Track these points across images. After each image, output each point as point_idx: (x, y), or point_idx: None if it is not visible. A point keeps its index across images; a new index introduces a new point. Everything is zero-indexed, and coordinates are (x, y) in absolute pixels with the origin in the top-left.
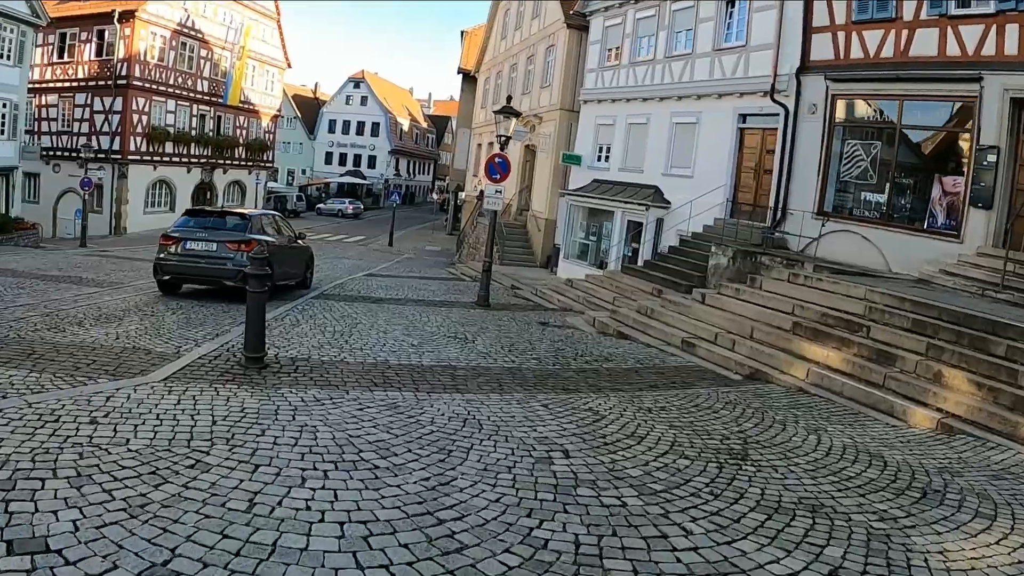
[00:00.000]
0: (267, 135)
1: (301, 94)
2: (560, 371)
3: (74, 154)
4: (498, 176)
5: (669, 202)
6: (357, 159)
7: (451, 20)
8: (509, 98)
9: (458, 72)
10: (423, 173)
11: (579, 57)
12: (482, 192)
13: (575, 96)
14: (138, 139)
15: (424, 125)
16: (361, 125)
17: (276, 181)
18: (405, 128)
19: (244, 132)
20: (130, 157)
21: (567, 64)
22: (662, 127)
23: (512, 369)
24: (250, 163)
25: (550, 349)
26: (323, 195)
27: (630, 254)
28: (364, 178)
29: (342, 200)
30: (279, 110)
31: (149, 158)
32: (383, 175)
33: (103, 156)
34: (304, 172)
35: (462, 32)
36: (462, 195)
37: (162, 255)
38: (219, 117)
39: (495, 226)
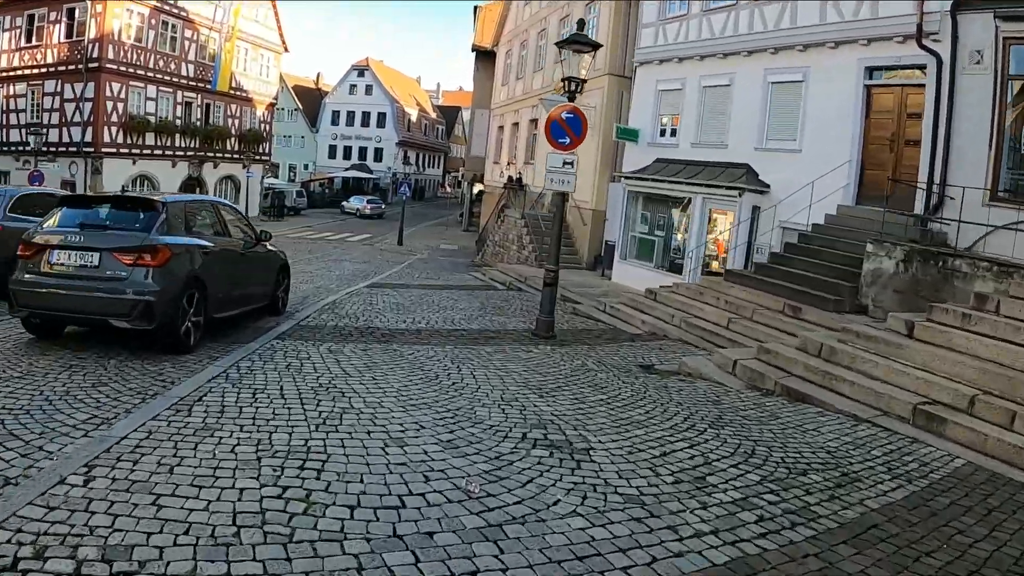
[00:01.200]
0: (263, 125)
1: (302, 85)
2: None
3: (45, 148)
4: (568, 140)
5: (767, 185)
6: (363, 152)
7: (458, 9)
8: (581, 23)
9: (472, 50)
10: (433, 166)
11: (629, 13)
12: (511, 179)
13: (626, 58)
14: (113, 129)
15: (433, 116)
16: (366, 116)
17: (276, 176)
18: (413, 118)
19: (237, 122)
20: (104, 150)
21: (615, 20)
22: (752, 89)
23: None
24: (244, 156)
25: (715, 446)
26: (326, 191)
27: (721, 254)
28: (370, 172)
29: (360, 198)
30: (275, 98)
31: (127, 151)
32: (390, 168)
33: (74, 150)
34: (307, 167)
35: (475, 8)
36: (477, 187)
37: (21, 276)
38: (207, 105)
39: (560, 217)
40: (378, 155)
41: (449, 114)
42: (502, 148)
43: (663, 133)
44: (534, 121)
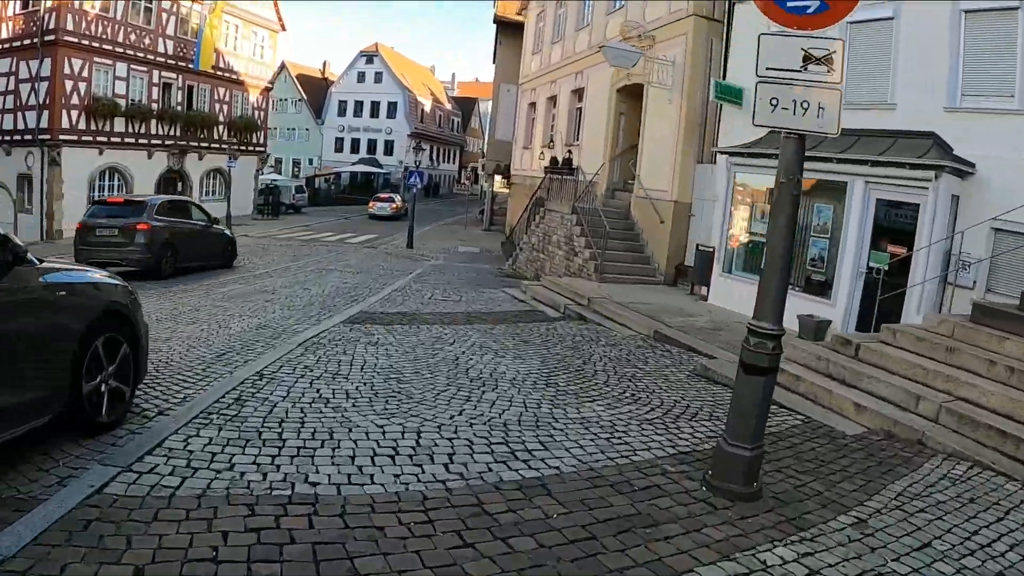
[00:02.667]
0: (256, 112)
1: (307, 74)
2: None
3: (2, 137)
4: (817, 4)
5: (970, 164)
6: (372, 145)
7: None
8: None
9: (494, 22)
10: (448, 161)
11: None
12: (554, 162)
13: None
14: (74, 114)
15: (448, 107)
16: (376, 106)
17: (279, 172)
18: (427, 109)
19: (226, 108)
20: (63, 137)
21: None
22: (930, 22)
23: None
24: (231, 147)
25: None
26: (332, 187)
27: (881, 267)
28: (380, 167)
29: (384, 202)
30: (271, 82)
31: (91, 139)
32: (402, 162)
33: (30, 138)
34: (311, 162)
35: None
36: (499, 182)
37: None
38: (190, 88)
39: (792, 206)
40: (388, 148)
41: (465, 106)
42: (534, 129)
43: None
44: (579, 92)
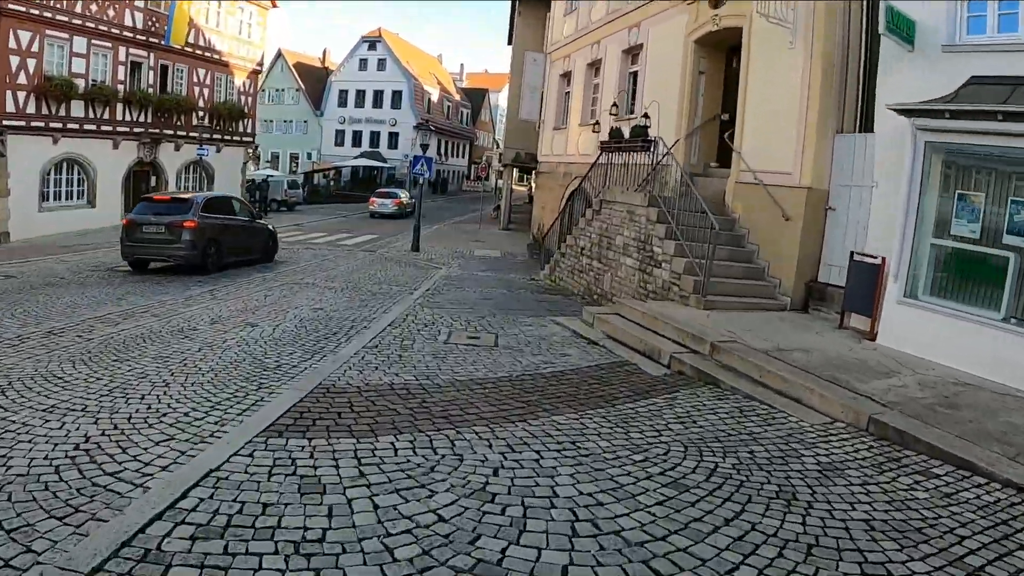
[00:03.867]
0: (243, 98)
1: (305, 63)
2: None
3: None
4: None
5: None
6: (374, 138)
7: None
8: None
9: None
10: (457, 156)
11: None
12: (615, 134)
13: None
14: (21, 95)
15: (457, 98)
16: (379, 95)
17: (274, 167)
18: (434, 99)
19: (207, 92)
20: (8, 123)
21: None
22: None
23: None
24: (216, 136)
25: None
26: (331, 182)
27: None
28: (383, 160)
29: (387, 198)
30: (260, 64)
31: (43, 124)
32: (407, 156)
33: None
34: (310, 156)
35: None
36: (512, 174)
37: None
38: (164, 68)
39: None
40: (393, 141)
41: (475, 97)
42: (569, 105)
43: (980, 25)
44: (633, 52)
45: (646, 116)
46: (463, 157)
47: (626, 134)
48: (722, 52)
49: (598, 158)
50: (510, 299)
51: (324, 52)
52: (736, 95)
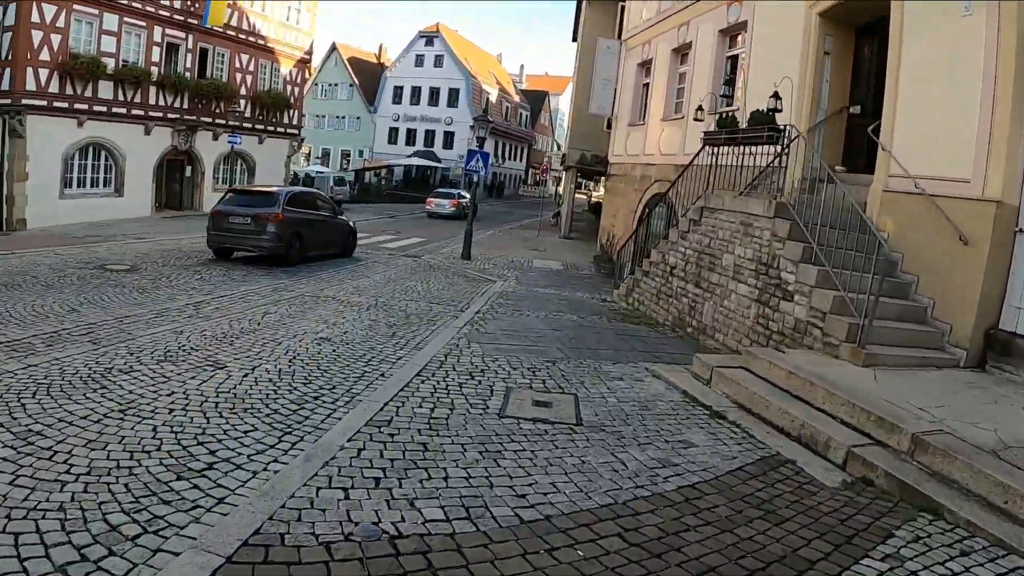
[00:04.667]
0: (290, 87)
1: (360, 58)
2: None
3: None
4: None
5: None
6: (429, 137)
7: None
8: None
9: None
10: (514, 159)
11: None
12: (725, 122)
13: None
14: (44, 73)
15: (516, 99)
16: (435, 92)
17: (324, 163)
18: (492, 99)
19: (250, 79)
20: (28, 101)
21: None
22: None
23: None
24: (258, 126)
25: None
26: (382, 181)
27: None
28: (438, 160)
29: (446, 192)
30: (309, 52)
31: (67, 105)
32: (462, 156)
33: None
34: (362, 153)
35: None
36: (575, 177)
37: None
38: (203, 52)
39: None
40: (448, 141)
41: (535, 99)
42: (649, 98)
43: None
44: (731, 33)
45: (776, 97)
46: (520, 160)
47: (744, 123)
48: (850, 31)
49: (695, 156)
50: (584, 330)
51: (380, 47)
52: (869, 83)
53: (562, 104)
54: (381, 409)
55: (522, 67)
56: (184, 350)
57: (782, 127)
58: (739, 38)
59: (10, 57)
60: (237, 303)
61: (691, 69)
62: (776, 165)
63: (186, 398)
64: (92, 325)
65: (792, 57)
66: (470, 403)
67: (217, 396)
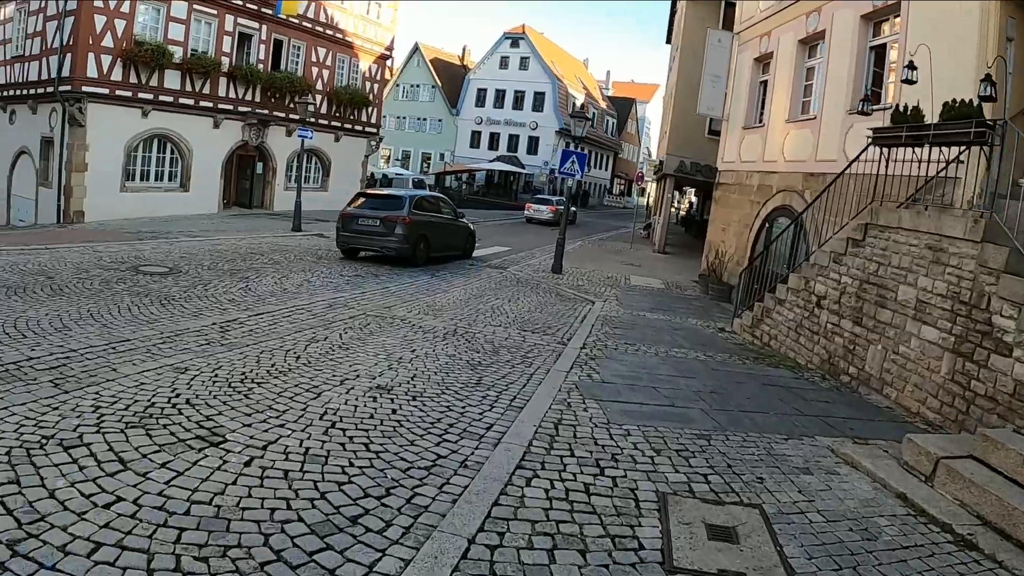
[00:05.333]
0: (369, 84)
1: (443, 59)
2: None
3: (17, 92)
4: None
5: None
6: (513, 141)
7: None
8: None
9: None
10: (600, 167)
11: None
12: (907, 116)
13: None
14: (105, 60)
15: (603, 106)
16: (519, 96)
17: (404, 166)
18: (579, 104)
19: (327, 74)
20: (88, 89)
21: None
22: None
23: None
24: (335, 123)
25: None
26: (463, 185)
27: None
28: (521, 166)
29: (545, 199)
30: (390, 48)
31: (130, 94)
32: (547, 163)
33: (50, 91)
34: (443, 157)
35: None
36: (670, 186)
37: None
38: (278, 44)
39: None
40: (532, 146)
41: (621, 106)
42: (769, 97)
43: None
44: (873, 20)
45: (988, 81)
46: (606, 169)
47: (938, 115)
48: None
49: (856, 159)
50: (721, 378)
51: (464, 49)
52: None
53: (650, 112)
54: (464, 555)
55: (608, 73)
56: (174, 406)
57: (992, 122)
58: (883, 25)
59: (71, 42)
60: (278, 324)
61: (823, 62)
62: (946, 174)
63: (131, 521)
64: (72, 354)
65: (963, 45)
66: (612, 535)
67: (186, 516)
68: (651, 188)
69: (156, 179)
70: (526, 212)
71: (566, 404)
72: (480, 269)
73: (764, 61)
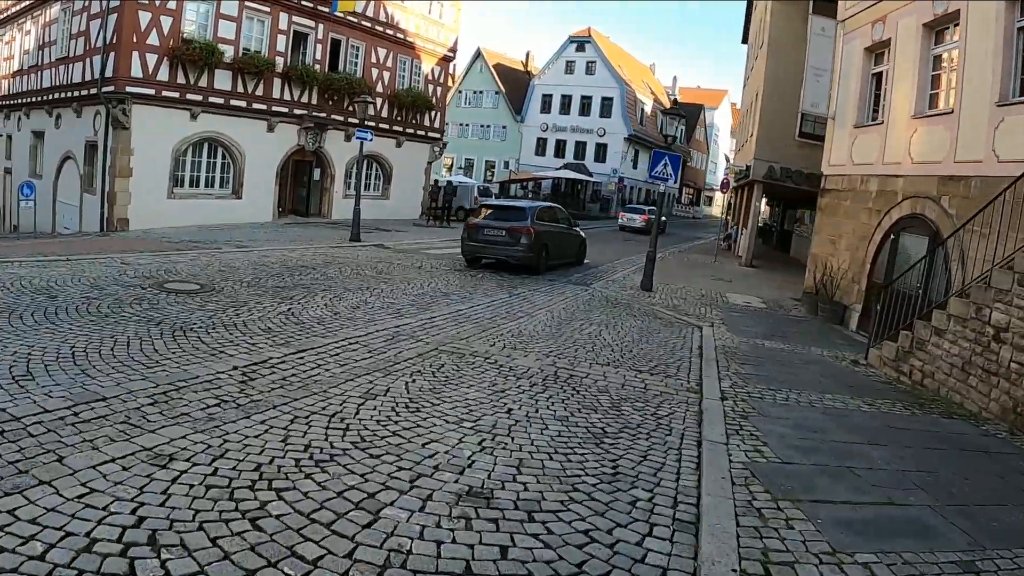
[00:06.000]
0: (431, 87)
1: (506, 64)
2: None
3: (63, 95)
4: None
5: None
6: (579, 149)
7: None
8: None
9: None
10: None
11: None
12: None
13: None
14: (151, 58)
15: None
16: (586, 101)
17: (467, 174)
18: (647, 110)
19: (388, 76)
20: (132, 89)
21: None
22: None
23: None
24: (396, 128)
25: None
26: (529, 194)
27: None
28: (589, 174)
29: (637, 208)
30: (453, 50)
31: (177, 95)
32: (616, 171)
33: (93, 92)
34: (507, 165)
35: None
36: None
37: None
38: (335, 43)
39: None
40: (600, 153)
41: (690, 113)
42: (888, 88)
43: None
44: None
45: None
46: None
47: None
48: None
49: None
50: (913, 445)
51: (527, 55)
52: None
53: (718, 119)
54: None
55: (675, 79)
56: (124, 551)
57: None
58: None
59: (115, 40)
60: (323, 367)
61: (962, 49)
62: None
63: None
64: (4, 428)
65: None
66: None
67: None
68: (718, 196)
69: (206, 185)
70: (619, 220)
71: (757, 514)
72: (562, 286)
73: (877, 50)
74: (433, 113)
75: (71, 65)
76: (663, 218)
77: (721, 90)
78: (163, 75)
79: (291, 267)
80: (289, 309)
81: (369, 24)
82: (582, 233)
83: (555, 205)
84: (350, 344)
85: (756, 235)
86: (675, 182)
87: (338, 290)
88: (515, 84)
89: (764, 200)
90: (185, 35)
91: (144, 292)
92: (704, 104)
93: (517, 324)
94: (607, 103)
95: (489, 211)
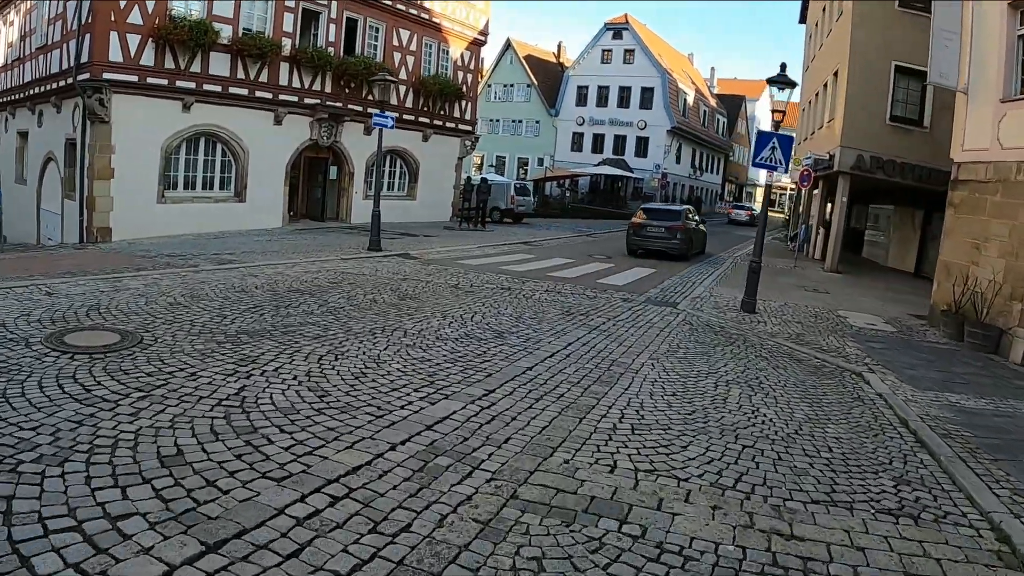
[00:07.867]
0: (461, 74)
1: (537, 56)
2: None
3: (39, 89)
4: None
5: None
6: (619, 143)
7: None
8: None
9: None
10: (711, 171)
11: None
12: None
13: None
14: (133, 40)
15: (712, 103)
16: (625, 92)
17: (499, 172)
18: (689, 101)
19: (412, 60)
20: (109, 76)
21: None
22: None
23: None
24: (422, 119)
25: None
26: (566, 192)
27: None
28: (630, 170)
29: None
30: (483, 33)
31: (165, 81)
32: (658, 166)
33: (70, 82)
34: (541, 161)
35: None
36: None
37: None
38: (351, 23)
39: None
40: (641, 148)
41: (731, 105)
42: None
43: None
44: None
45: None
46: (717, 173)
47: None
48: None
49: None
50: None
51: (559, 45)
52: None
53: (759, 111)
54: None
55: (713, 70)
56: None
57: None
58: None
59: (90, 20)
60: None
61: None
62: None
63: None
64: None
65: None
66: None
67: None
68: (806, 191)
69: (204, 187)
70: (729, 215)
71: None
72: (645, 306)
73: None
74: (464, 103)
75: (49, 54)
76: (696, 219)
77: (759, 81)
78: (148, 59)
79: (280, 293)
80: (242, 388)
81: (390, 2)
82: (703, 228)
83: (690, 207)
84: (333, 503)
85: (840, 237)
86: (785, 170)
87: (337, 336)
88: (547, 76)
89: (818, 194)
90: (173, 11)
91: (15, 354)
92: (746, 95)
93: (625, 396)
94: (648, 94)
95: (646, 213)
